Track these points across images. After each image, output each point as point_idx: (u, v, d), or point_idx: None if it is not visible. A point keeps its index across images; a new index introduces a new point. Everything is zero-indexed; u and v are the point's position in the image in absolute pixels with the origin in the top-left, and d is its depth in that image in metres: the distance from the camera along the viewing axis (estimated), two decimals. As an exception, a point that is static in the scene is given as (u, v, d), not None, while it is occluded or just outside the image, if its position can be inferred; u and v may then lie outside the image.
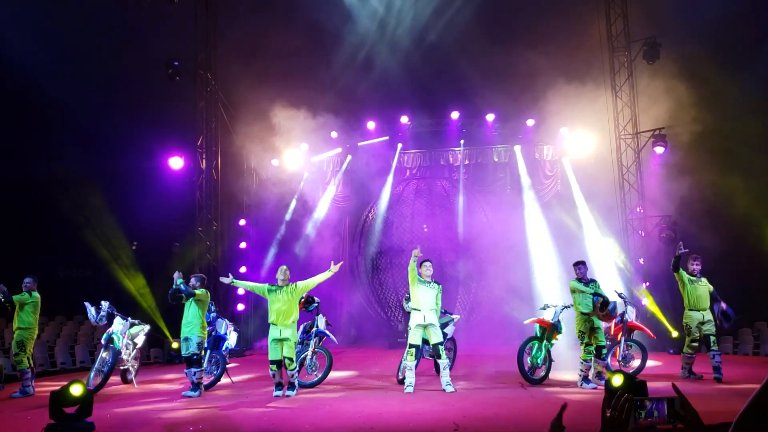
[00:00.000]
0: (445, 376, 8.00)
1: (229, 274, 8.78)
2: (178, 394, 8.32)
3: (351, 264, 16.93)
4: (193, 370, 8.26)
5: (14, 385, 9.70)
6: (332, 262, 8.43)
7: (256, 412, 6.88)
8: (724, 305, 8.71)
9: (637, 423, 1.73)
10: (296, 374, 8.19)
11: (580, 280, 8.49)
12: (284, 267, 8.51)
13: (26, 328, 8.87)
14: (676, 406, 1.73)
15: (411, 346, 8.02)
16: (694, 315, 8.69)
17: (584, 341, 8.21)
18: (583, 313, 8.27)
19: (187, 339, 8.36)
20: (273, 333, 8.08)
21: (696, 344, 8.66)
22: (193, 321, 8.42)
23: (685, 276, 8.80)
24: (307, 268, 13.52)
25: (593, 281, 8.58)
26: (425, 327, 8.01)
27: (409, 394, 7.71)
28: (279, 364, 8.05)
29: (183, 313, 8.59)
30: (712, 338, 8.58)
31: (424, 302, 8.01)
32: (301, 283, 8.34)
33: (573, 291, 8.42)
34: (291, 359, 8.01)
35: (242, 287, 8.51)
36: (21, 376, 8.82)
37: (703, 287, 8.76)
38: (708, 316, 8.67)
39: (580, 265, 8.66)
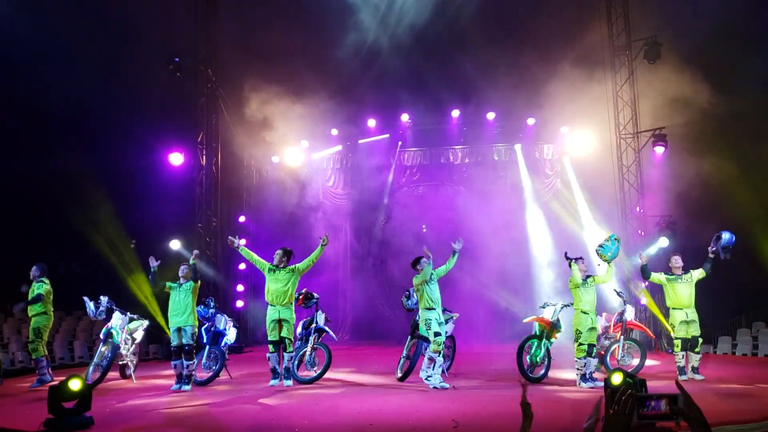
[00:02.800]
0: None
1: (240, 240, 8.79)
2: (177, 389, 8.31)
3: (352, 261, 16.93)
4: (186, 362, 8.24)
5: (11, 381, 9.72)
6: (324, 237, 8.46)
7: (255, 407, 6.88)
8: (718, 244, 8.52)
9: (640, 417, 1.73)
10: (294, 359, 8.20)
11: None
12: (281, 251, 8.55)
13: (43, 313, 8.91)
14: (680, 404, 1.73)
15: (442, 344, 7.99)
16: (677, 314, 8.65)
17: (578, 340, 8.19)
18: (583, 312, 8.25)
19: (181, 329, 8.27)
20: (271, 314, 8.15)
21: (678, 341, 8.60)
22: (186, 310, 8.33)
23: (662, 277, 8.79)
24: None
25: (589, 277, 8.55)
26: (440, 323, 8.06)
27: (409, 392, 7.71)
28: (277, 344, 8.08)
29: (170, 303, 8.45)
30: (700, 340, 8.58)
31: (438, 300, 8.02)
32: (300, 265, 8.39)
33: (572, 288, 8.41)
34: (291, 340, 8.07)
35: (246, 256, 8.52)
36: (36, 365, 8.86)
37: (685, 284, 8.63)
38: (692, 315, 8.57)
39: (579, 261, 8.62)
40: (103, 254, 14.28)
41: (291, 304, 8.27)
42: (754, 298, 12.81)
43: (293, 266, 8.39)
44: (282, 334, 8.12)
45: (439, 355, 7.82)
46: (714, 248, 8.54)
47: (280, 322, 8.12)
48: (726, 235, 8.53)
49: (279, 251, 8.57)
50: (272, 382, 8.10)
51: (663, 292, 9.11)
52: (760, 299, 12.79)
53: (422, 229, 16.39)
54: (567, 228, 15.32)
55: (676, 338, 8.63)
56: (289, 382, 8.10)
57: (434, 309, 7.92)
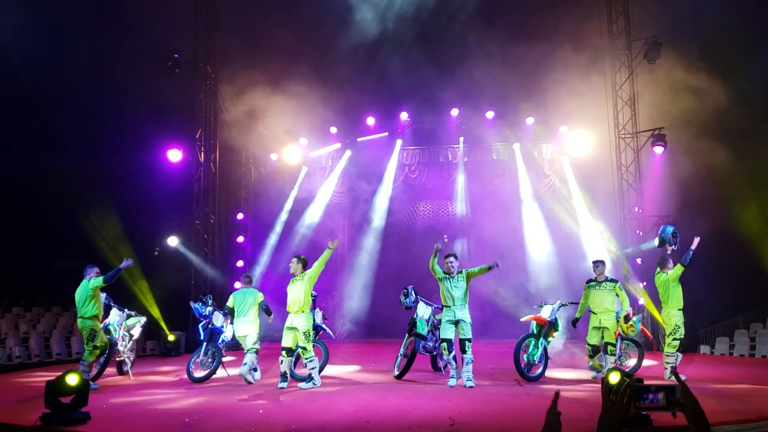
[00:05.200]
0: (467, 371, 7.94)
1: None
2: (174, 386, 8.35)
3: (350, 258, 16.93)
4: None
5: (8, 376, 9.72)
6: (329, 239, 8.43)
7: (251, 404, 6.87)
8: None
9: (637, 408, 1.73)
10: (312, 363, 8.14)
11: (594, 279, 8.62)
12: (295, 259, 8.52)
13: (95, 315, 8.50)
14: (677, 394, 1.72)
15: (443, 340, 8.01)
16: (681, 314, 8.66)
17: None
18: (591, 312, 8.57)
19: None
20: (286, 321, 8.17)
21: (677, 342, 8.62)
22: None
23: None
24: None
25: (614, 281, 8.69)
26: (456, 323, 8.01)
27: (406, 390, 7.71)
28: (288, 351, 8.07)
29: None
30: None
31: (452, 298, 7.99)
32: (309, 271, 8.34)
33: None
34: (304, 348, 8.06)
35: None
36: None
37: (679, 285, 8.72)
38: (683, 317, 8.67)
39: (599, 263, 8.76)
40: (101, 251, 14.26)
41: (303, 312, 8.20)
42: (752, 299, 12.82)
43: (303, 274, 8.34)
44: (297, 344, 8.10)
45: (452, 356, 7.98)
46: (684, 253, 8.55)
47: (291, 330, 8.12)
48: (668, 230, 8.67)
49: (294, 259, 8.50)
50: (281, 384, 8.06)
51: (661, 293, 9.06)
52: (757, 300, 12.80)
53: (422, 226, 16.42)
54: (565, 227, 15.32)
55: (680, 339, 8.59)
56: (307, 386, 8.03)
57: (450, 307, 7.99)
